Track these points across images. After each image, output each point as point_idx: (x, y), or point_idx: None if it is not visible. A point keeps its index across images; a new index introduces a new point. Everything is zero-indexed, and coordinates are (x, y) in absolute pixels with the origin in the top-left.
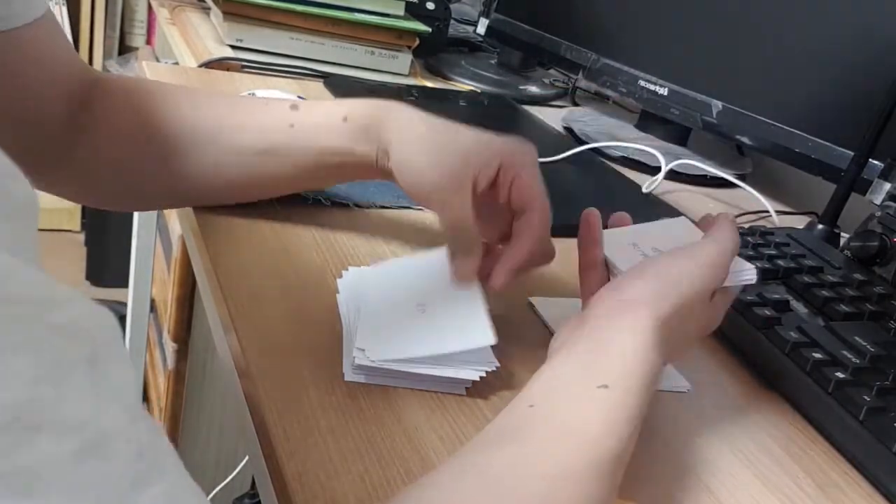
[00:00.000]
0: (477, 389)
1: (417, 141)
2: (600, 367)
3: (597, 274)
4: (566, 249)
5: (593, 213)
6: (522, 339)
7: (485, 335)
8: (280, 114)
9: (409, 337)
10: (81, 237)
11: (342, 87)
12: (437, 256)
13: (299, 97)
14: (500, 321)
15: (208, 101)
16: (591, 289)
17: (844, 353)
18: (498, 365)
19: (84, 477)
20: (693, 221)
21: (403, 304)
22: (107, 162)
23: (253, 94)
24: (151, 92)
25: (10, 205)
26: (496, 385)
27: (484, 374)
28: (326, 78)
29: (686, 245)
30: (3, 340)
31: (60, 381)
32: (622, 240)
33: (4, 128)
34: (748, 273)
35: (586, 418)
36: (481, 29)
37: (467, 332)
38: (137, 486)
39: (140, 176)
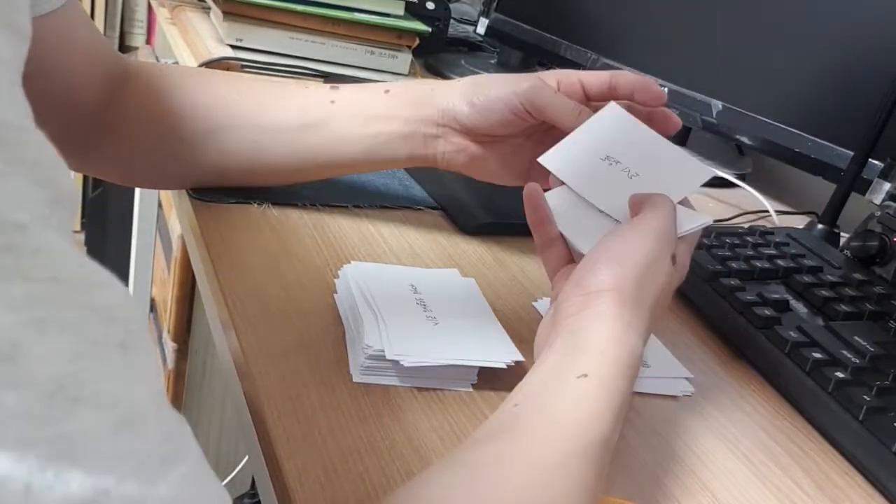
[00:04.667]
0: (477, 389)
1: (487, 78)
2: (577, 360)
3: (555, 250)
4: None
5: (535, 191)
6: (525, 340)
7: (510, 352)
8: (321, 92)
9: (428, 345)
10: (81, 237)
11: None
12: (448, 274)
13: None
14: (503, 322)
15: (248, 83)
16: (553, 266)
17: (844, 352)
18: (518, 359)
19: (121, 449)
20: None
21: (412, 311)
22: (143, 144)
23: None
24: (182, 78)
25: (58, 193)
26: (497, 385)
27: (508, 364)
28: (326, 77)
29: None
30: (50, 316)
31: (98, 359)
32: (570, 198)
33: (40, 113)
34: (703, 219)
35: (569, 408)
36: (481, 28)
37: (490, 347)
38: (166, 464)
39: (174, 158)
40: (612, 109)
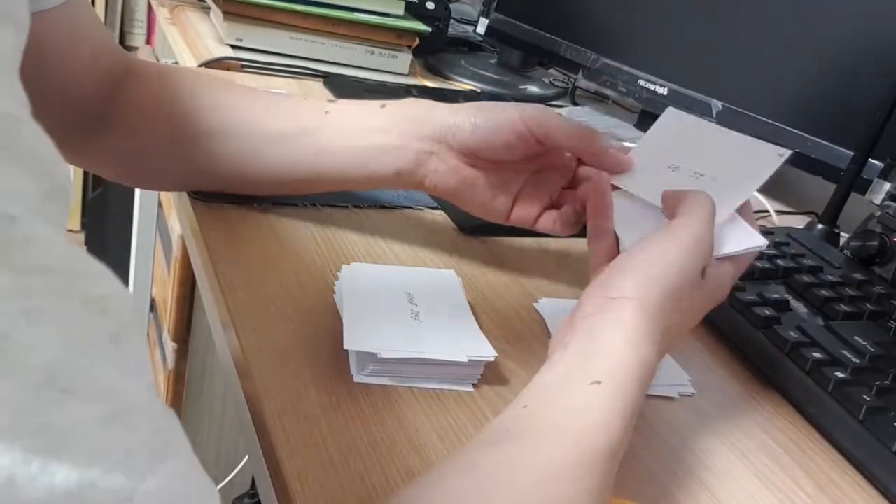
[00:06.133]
0: (477, 389)
1: (487, 105)
2: (591, 365)
3: (604, 243)
4: (566, 250)
5: (605, 181)
6: (525, 340)
7: (486, 349)
8: (317, 104)
9: (407, 340)
10: (81, 237)
11: (342, 86)
12: (439, 274)
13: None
14: (503, 322)
15: (247, 91)
16: (599, 259)
17: (844, 352)
18: (495, 354)
19: (109, 442)
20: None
21: (400, 311)
22: (138, 144)
23: None
24: (184, 80)
25: (53, 185)
26: (497, 385)
27: (495, 356)
28: (326, 77)
29: (664, 227)
30: (40, 307)
31: (88, 351)
32: (635, 203)
33: (40, 108)
34: (756, 240)
35: (578, 414)
36: (481, 28)
37: (466, 344)
38: (155, 458)
39: (170, 159)
40: (671, 113)
